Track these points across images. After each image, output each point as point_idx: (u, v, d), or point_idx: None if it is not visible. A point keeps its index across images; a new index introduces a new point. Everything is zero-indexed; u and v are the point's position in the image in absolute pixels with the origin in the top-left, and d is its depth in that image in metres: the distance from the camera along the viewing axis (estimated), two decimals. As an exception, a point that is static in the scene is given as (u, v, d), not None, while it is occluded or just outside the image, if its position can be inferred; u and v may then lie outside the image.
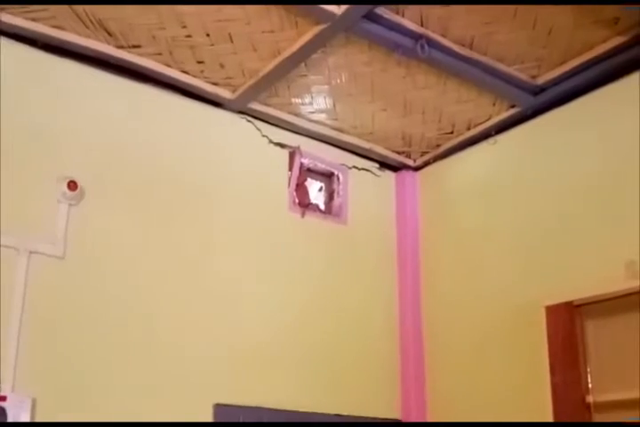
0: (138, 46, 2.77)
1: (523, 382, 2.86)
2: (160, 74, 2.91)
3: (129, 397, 2.54)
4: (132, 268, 2.70)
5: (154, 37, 2.71)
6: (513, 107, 3.16)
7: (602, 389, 2.59)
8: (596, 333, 2.67)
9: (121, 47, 2.77)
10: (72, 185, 2.56)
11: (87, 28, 2.65)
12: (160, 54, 2.82)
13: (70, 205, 2.59)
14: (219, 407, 2.71)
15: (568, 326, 2.68)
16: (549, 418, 2.64)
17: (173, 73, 2.92)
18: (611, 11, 2.54)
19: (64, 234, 2.54)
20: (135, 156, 2.84)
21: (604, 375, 2.61)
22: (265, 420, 2.79)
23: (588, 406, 2.59)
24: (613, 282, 2.59)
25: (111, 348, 2.55)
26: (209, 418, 2.69)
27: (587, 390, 2.61)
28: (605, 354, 2.63)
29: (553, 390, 2.65)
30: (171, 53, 2.82)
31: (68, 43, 2.70)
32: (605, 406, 2.56)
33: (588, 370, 2.64)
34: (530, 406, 2.78)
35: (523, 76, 2.96)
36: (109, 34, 2.69)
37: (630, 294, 2.54)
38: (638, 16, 2.55)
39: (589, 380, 2.63)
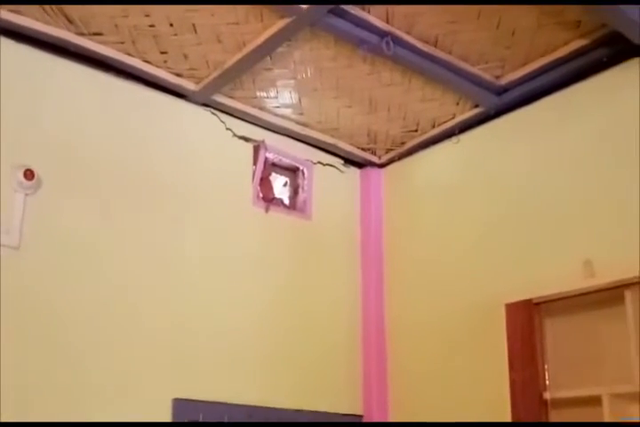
0: (99, 34, 2.70)
1: (482, 379, 2.88)
2: (122, 63, 2.85)
3: (86, 391, 2.49)
4: (89, 259, 2.64)
5: (116, 26, 2.66)
6: (476, 106, 3.18)
7: (559, 386, 2.62)
8: (554, 330, 2.71)
9: (81, 34, 2.70)
10: (29, 174, 2.50)
11: (46, 13, 2.58)
12: (122, 43, 2.76)
13: (26, 194, 2.52)
14: (177, 402, 2.67)
15: (527, 323, 2.71)
16: (508, 414, 2.66)
17: (136, 62, 2.87)
18: (573, 14, 2.58)
19: (20, 224, 2.48)
20: (95, 145, 2.78)
21: (562, 372, 2.64)
22: (225, 415, 2.75)
23: (545, 402, 2.62)
24: (571, 281, 2.63)
25: (67, 341, 2.50)
26: (167, 413, 2.64)
27: (544, 387, 2.64)
28: (563, 351, 2.67)
29: (511, 386, 2.68)
30: (133, 42, 2.76)
31: (26, 28, 2.62)
32: (562, 403, 2.59)
33: (546, 367, 2.67)
34: (489, 403, 2.80)
35: (486, 76, 2.99)
36: (69, 21, 2.63)
37: (587, 293, 2.58)
38: (599, 20, 2.59)
39: (547, 377, 2.66)
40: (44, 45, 2.70)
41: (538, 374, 2.64)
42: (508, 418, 2.65)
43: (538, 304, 2.73)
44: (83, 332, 2.55)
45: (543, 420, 2.60)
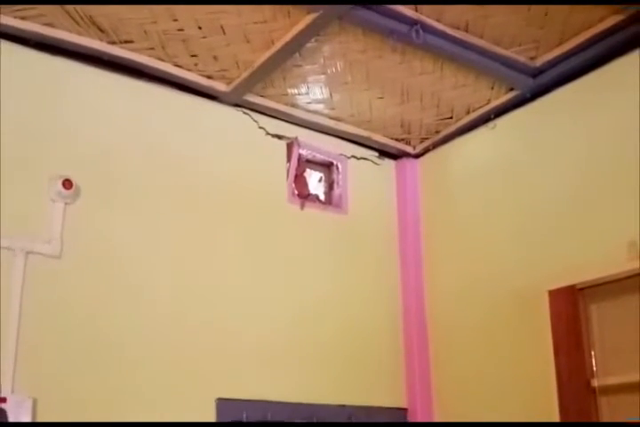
0: (130, 41, 2.76)
1: (527, 367, 2.85)
2: (154, 69, 2.90)
3: (131, 394, 2.55)
4: (129, 265, 2.70)
5: (145, 32, 2.70)
6: (512, 90, 3.13)
7: (607, 372, 2.58)
8: (599, 316, 2.66)
9: (113, 43, 2.76)
10: (67, 184, 2.56)
11: (78, 24, 2.65)
12: (153, 49, 2.81)
13: (66, 204, 2.59)
14: (221, 402, 2.72)
15: (571, 309, 2.67)
16: (555, 403, 2.63)
17: (167, 67, 2.91)
18: (607, -11, 2.51)
19: (60, 233, 2.54)
20: (131, 152, 2.83)
21: (609, 358, 2.60)
22: (268, 413, 2.79)
23: (593, 389, 2.58)
24: (616, 264, 2.57)
25: (111, 346, 2.56)
26: (212, 412, 2.69)
27: (591, 374, 2.61)
28: (610, 337, 2.62)
29: (557, 374, 2.65)
30: (163, 48, 2.81)
31: (60, 40, 2.69)
32: (610, 390, 2.56)
33: (593, 353, 2.63)
34: (535, 391, 2.77)
35: (520, 59, 2.93)
36: (101, 30, 2.68)
37: (633, 276, 2.53)
38: (635, -7, 2.51)
39: (594, 363, 2.62)
40: (77, 56, 2.77)
41: (584, 361, 2.60)
42: (554, 407, 2.62)
43: (582, 289, 2.68)
44: (126, 338, 2.60)
45: (591, 407, 2.56)
